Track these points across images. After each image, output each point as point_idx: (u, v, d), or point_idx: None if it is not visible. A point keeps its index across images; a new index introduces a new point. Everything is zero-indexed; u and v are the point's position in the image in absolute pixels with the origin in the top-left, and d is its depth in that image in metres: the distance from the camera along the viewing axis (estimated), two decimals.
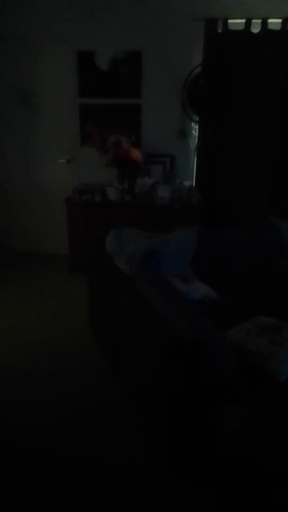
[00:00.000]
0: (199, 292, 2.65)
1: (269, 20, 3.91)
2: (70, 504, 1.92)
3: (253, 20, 3.92)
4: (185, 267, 2.84)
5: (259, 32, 3.95)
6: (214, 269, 2.96)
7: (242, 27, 3.96)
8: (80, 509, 1.91)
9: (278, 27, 3.93)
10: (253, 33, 3.95)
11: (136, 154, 4.20)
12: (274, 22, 3.93)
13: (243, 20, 3.93)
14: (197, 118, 4.29)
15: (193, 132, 4.42)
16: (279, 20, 3.91)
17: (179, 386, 1.89)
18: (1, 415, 2.47)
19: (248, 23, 3.93)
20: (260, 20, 3.91)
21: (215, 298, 2.69)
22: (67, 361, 2.98)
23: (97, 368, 2.90)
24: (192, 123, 4.38)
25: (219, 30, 4.01)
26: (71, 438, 2.30)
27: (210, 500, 1.92)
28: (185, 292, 2.53)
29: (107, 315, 2.78)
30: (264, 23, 3.92)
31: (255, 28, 3.95)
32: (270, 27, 3.93)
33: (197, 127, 4.37)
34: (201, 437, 1.93)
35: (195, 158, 4.45)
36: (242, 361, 2.03)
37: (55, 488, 2.00)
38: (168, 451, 2.04)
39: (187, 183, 4.36)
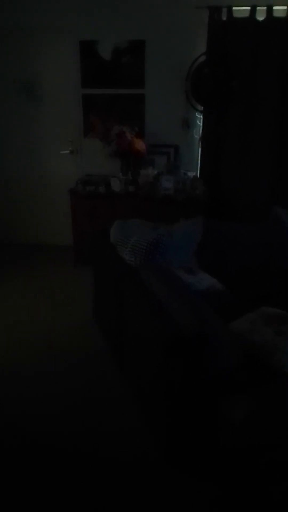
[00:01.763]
0: (204, 284, 2.64)
1: (274, 7, 3.86)
2: (75, 497, 1.93)
3: (258, 7, 3.87)
4: (189, 258, 2.83)
5: (263, 19, 3.90)
6: (219, 261, 2.95)
7: (247, 14, 3.90)
8: (85, 501, 1.92)
9: (284, 14, 3.87)
10: (258, 21, 3.90)
11: (140, 144, 4.18)
12: (279, 9, 3.88)
13: (248, 8, 3.88)
14: (201, 108, 4.25)
15: (198, 122, 4.39)
16: (285, 7, 3.85)
17: (183, 378, 1.89)
18: (6, 409, 2.48)
19: (253, 11, 3.88)
20: (265, 7, 3.86)
21: (220, 289, 2.68)
22: (71, 354, 2.97)
23: (102, 361, 2.89)
24: (196, 113, 4.34)
25: (224, 18, 3.95)
26: (75, 432, 2.30)
27: (214, 492, 1.93)
28: (190, 283, 2.52)
29: (111, 307, 2.78)
30: (269, 10, 3.86)
31: (260, 16, 3.90)
32: (275, 14, 3.88)
33: (201, 117, 4.33)
34: (205, 430, 1.93)
35: (200, 149, 4.42)
36: (247, 352, 2.03)
37: (60, 481, 2.01)
38: (172, 443, 2.05)
39: (191, 174, 4.33)
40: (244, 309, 2.32)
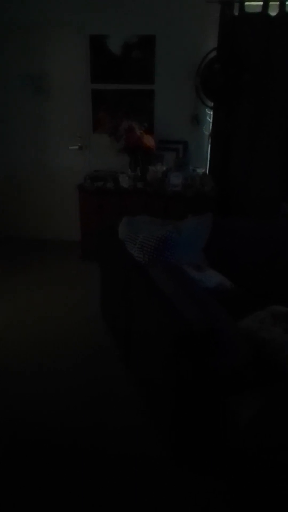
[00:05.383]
0: (212, 281, 2.62)
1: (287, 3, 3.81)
2: (80, 494, 1.93)
3: (271, 3, 3.82)
4: (198, 255, 2.82)
5: (276, 15, 3.86)
6: (227, 257, 2.93)
7: (259, 9, 3.86)
8: (91, 498, 1.92)
9: None
10: (270, 16, 3.85)
11: (149, 140, 4.16)
12: None
13: (260, 3, 3.84)
14: (211, 104, 4.22)
15: (207, 118, 4.36)
16: None
17: (190, 375, 1.88)
18: (12, 406, 2.47)
19: (265, 6, 3.83)
20: (278, 3, 3.81)
21: (228, 287, 2.67)
22: (78, 350, 2.97)
23: (109, 357, 2.89)
24: (206, 109, 4.31)
25: (235, 13, 3.91)
26: (81, 429, 2.30)
27: (220, 489, 1.92)
28: (198, 280, 2.50)
29: (119, 303, 2.78)
30: (282, 6, 3.82)
31: (273, 11, 3.85)
32: None
33: (211, 113, 4.30)
34: (212, 428, 1.92)
35: (209, 145, 4.39)
36: (256, 350, 2.01)
37: (66, 478, 2.01)
38: (179, 441, 2.04)
39: (200, 170, 4.31)
40: (252, 307, 2.30)
